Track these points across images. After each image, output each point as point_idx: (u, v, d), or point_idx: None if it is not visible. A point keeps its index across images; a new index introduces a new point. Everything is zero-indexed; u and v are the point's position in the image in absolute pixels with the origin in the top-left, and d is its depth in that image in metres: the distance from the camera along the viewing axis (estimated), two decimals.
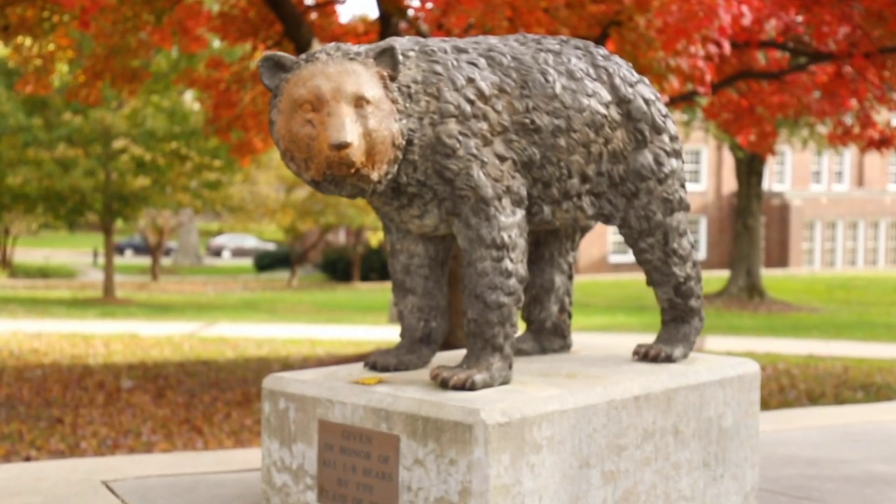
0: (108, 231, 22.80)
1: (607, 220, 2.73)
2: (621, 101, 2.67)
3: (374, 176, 2.33)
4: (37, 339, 14.11)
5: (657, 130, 2.73)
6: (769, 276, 27.64)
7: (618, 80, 2.68)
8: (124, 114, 20.65)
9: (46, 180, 20.47)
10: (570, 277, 2.93)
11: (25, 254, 39.25)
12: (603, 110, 2.63)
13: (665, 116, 2.76)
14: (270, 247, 40.60)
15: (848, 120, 11.47)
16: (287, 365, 11.71)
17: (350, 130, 2.24)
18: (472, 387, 2.36)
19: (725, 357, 2.87)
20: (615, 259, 34.35)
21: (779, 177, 36.85)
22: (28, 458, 6.84)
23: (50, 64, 10.82)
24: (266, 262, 36.80)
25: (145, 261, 38.18)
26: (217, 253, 45.19)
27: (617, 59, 2.74)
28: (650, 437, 2.51)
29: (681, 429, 2.59)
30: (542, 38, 2.67)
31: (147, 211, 27.46)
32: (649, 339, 15.23)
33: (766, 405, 8.47)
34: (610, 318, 18.67)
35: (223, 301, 23.34)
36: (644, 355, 2.80)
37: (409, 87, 2.39)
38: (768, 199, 33.98)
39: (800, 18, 9.64)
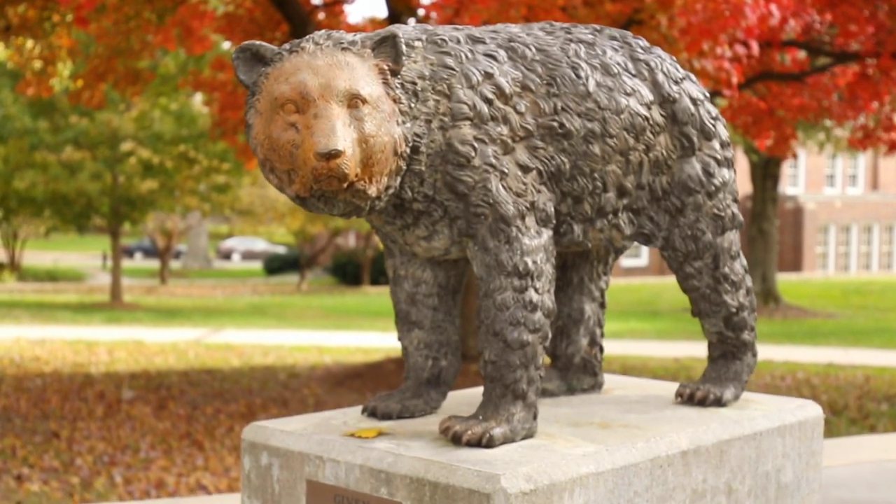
0: (115, 235, 22.62)
1: (647, 240, 2.34)
2: (665, 101, 2.28)
3: (372, 191, 1.94)
4: (40, 345, 13.91)
5: (706, 135, 2.33)
6: (783, 280, 27.27)
7: (661, 77, 2.28)
8: (132, 116, 20.41)
9: (52, 184, 20.26)
10: (603, 306, 2.53)
11: (35, 256, 39.13)
12: (644, 112, 2.23)
13: (715, 119, 2.37)
14: (280, 250, 40.35)
15: (870, 122, 11.27)
16: (294, 374, 11.44)
17: (341, 136, 1.84)
18: (490, 443, 1.97)
19: (783, 399, 2.47)
20: (627, 263, 33.93)
21: (792, 180, 36.64)
22: (20, 477, 6.56)
23: (51, 66, 10.60)
24: (276, 266, 36.59)
25: (155, 264, 37.99)
26: (227, 256, 45.07)
27: (659, 51, 2.34)
28: (700, 499, 2.12)
29: (734, 487, 2.20)
30: (572, 27, 2.28)
31: (156, 214, 27.26)
32: (664, 346, 14.79)
33: None
34: (623, 324, 18.26)
35: (231, 305, 23.08)
36: (689, 397, 2.40)
37: (414, 83, 1.99)
38: (782, 203, 33.62)
39: (817, 18, 9.37)
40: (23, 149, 19.74)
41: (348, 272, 31.69)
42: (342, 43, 1.95)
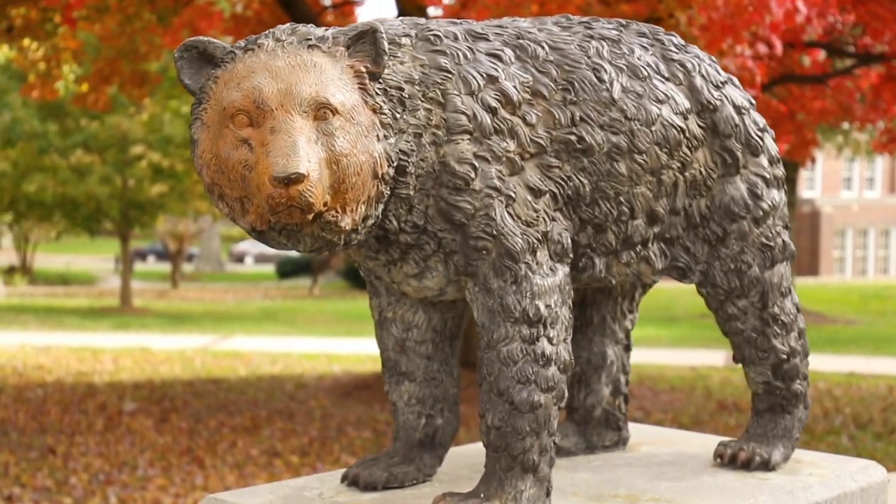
0: (125, 239, 22.50)
1: (682, 274, 1.98)
2: (704, 110, 1.93)
3: (346, 223, 1.58)
4: (44, 353, 13.74)
5: (753, 150, 1.98)
6: (800, 284, 26.96)
7: (699, 80, 1.93)
8: (141, 120, 20.25)
9: (62, 187, 20.17)
10: (628, 349, 2.17)
11: (47, 260, 39.13)
12: (679, 122, 1.89)
13: (762, 131, 2.01)
14: (293, 253, 40.22)
15: (894, 126, 11.06)
16: (301, 384, 11.19)
17: (304, 156, 1.47)
18: None
19: (841, 460, 2.11)
20: None
21: (809, 183, 36.50)
22: (10, 497, 6.30)
23: (56, 69, 10.42)
24: (288, 269, 36.42)
25: (167, 267, 37.90)
26: (239, 259, 45.01)
27: (696, 50, 1.99)
28: None
29: None
30: (592, 21, 1.92)
31: (167, 218, 27.13)
32: (680, 353, 14.44)
33: (810, 432, 7.90)
34: (638, 330, 17.72)
35: (242, 310, 22.86)
36: (731, 459, 2.03)
37: (400, 88, 1.64)
38: (798, 207, 33.32)
39: (839, 19, 9.10)
40: (32, 152, 19.65)
41: (360, 276, 31.41)
42: (309, 39, 1.58)
